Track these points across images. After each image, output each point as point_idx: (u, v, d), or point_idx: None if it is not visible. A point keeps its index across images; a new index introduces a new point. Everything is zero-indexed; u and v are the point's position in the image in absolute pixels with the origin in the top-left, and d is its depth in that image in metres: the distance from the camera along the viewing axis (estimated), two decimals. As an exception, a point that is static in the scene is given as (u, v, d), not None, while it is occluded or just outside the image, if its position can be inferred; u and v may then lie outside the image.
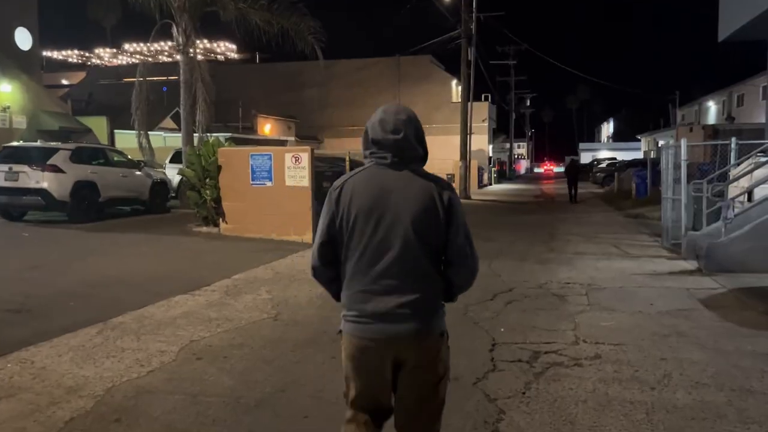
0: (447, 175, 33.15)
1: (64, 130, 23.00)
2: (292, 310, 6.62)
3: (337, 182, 2.37)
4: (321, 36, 17.30)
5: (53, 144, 14.04)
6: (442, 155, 34.43)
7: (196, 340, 5.49)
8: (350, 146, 28.17)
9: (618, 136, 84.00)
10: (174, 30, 16.63)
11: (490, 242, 11.93)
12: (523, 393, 4.26)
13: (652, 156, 30.66)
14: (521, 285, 7.99)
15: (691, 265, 9.16)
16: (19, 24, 24.00)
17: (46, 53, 49.41)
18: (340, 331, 2.37)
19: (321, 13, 18.25)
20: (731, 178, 10.60)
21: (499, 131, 63.33)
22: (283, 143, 26.21)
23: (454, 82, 39.81)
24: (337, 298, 2.42)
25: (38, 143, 14.15)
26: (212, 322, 6.10)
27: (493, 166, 44.75)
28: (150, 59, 34.89)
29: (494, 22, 34.36)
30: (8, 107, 21.89)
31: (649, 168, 20.79)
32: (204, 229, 12.49)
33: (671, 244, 10.98)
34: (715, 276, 8.25)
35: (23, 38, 24.30)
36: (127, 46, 41.86)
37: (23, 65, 23.32)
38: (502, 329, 5.87)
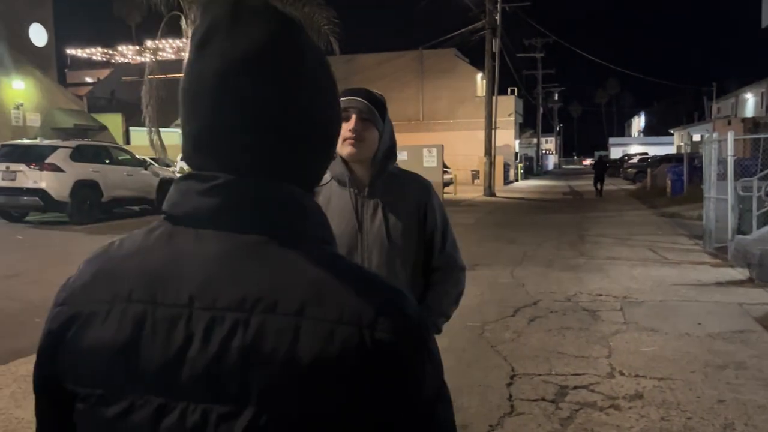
0: (471, 171, 32.21)
1: (78, 127, 22.61)
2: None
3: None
4: (337, 27, 16.52)
5: (52, 142, 13.47)
6: (466, 151, 33.52)
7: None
8: (371, 142, 27.40)
9: (649, 131, 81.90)
10: (183, 22, 16.02)
11: (513, 245, 11.02)
12: (547, 451, 3.40)
13: (685, 151, 29.29)
14: (547, 297, 7.08)
15: (740, 273, 8.13)
16: (34, 20, 23.64)
17: (70, 51, 49.79)
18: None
19: (339, 7, 17.49)
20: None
21: (526, 126, 61.93)
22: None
23: (479, 75, 38.69)
24: None
25: (37, 141, 13.59)
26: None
27: (520, 162, 43.56)
28: (172, 55, 34.62)
29: (520, 13, 33.22)
30: (21, 104, 21.52)
31: (685, 163, 19.62)
32: (208, 230, 11.75)
33: (715, 249, 9.93)
34: (770, 287, 7.24)
35: (38, 34, 23.95)
36: (149, 42, 41.77)
37: (38, 62, 22.95)
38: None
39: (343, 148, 1.88)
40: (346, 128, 1.87)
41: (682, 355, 5.00)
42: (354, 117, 1.87)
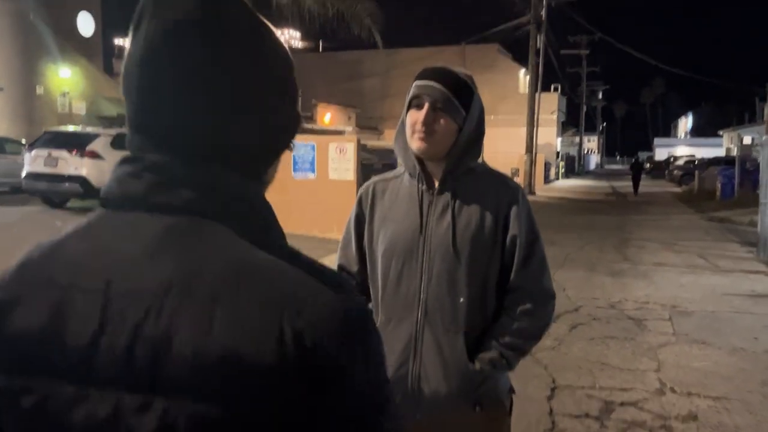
0: (512, 169, 31.69)
1: (122, 116, 22.98)
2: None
3: None
4: (378, 19, 16.32)
5: (93, 129, 13.61)
6: (507, 148, 32.92)
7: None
8: (410, 137, 27.22)
9: (697, 132, 79.59)
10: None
11: (554, 246, 10.64)
12: (592, 475, 3.15)
13: (737, 153, 28.29)
14: (590, 303, 6.77)
15: (798, 285, 7.67)
16: (82, 8, 24.05)
17: (118, 41, 50.81)
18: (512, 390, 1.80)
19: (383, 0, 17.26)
20: None
21: (569, 124, 60.78)
22: (340, 133, 25.39)
23: (521, 71, 38.05)
24: None
25: (79, 128, 13.75)
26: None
27: (561, 161, 42.72)
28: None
29: (566, 9, 32.41)
30: (67, 92, 21.95)
31: (737, 166, 18.85)
32: (243, 222, 11.72)
33: (770, 257, 9.43)
34: (831, 301, 6.78)
35: (86, 23, 24.35)
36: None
37: (84, 50, 23.35)
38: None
39: (413, 142, 1.61)
40: (416, 119, 1.58)
41: (737, 372, 4.67)
42: (426, 107, 1.57)
